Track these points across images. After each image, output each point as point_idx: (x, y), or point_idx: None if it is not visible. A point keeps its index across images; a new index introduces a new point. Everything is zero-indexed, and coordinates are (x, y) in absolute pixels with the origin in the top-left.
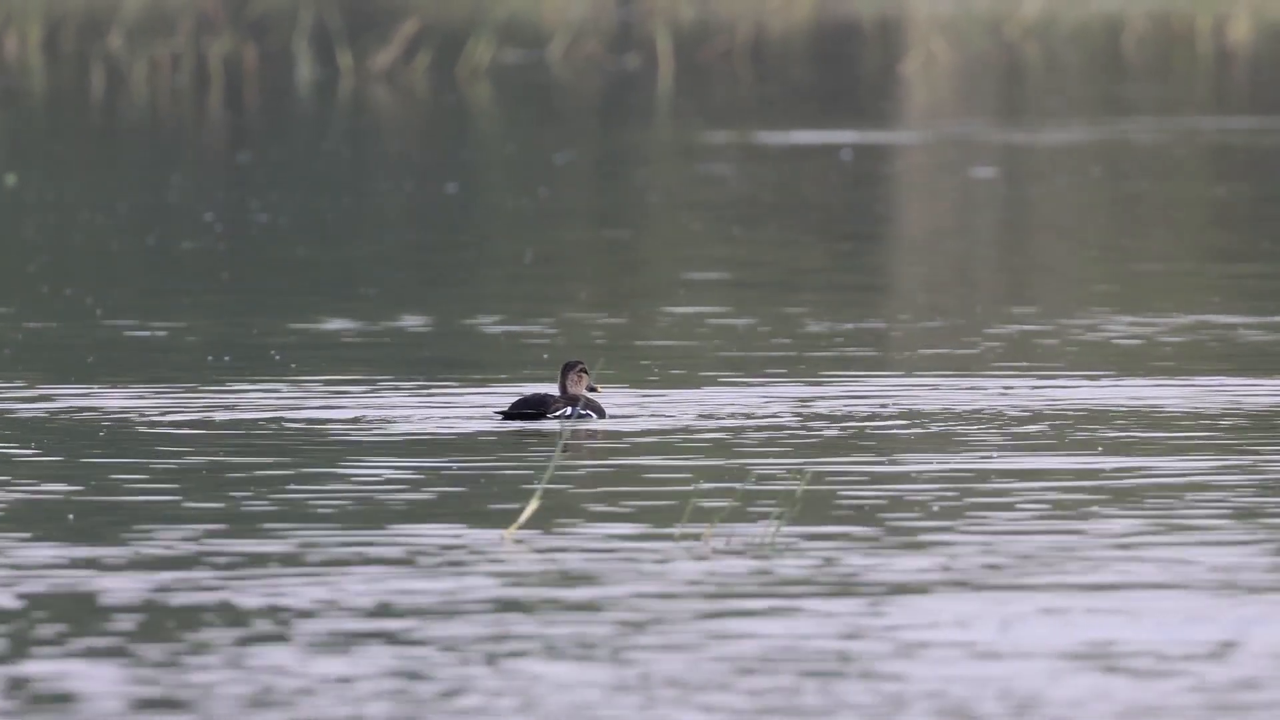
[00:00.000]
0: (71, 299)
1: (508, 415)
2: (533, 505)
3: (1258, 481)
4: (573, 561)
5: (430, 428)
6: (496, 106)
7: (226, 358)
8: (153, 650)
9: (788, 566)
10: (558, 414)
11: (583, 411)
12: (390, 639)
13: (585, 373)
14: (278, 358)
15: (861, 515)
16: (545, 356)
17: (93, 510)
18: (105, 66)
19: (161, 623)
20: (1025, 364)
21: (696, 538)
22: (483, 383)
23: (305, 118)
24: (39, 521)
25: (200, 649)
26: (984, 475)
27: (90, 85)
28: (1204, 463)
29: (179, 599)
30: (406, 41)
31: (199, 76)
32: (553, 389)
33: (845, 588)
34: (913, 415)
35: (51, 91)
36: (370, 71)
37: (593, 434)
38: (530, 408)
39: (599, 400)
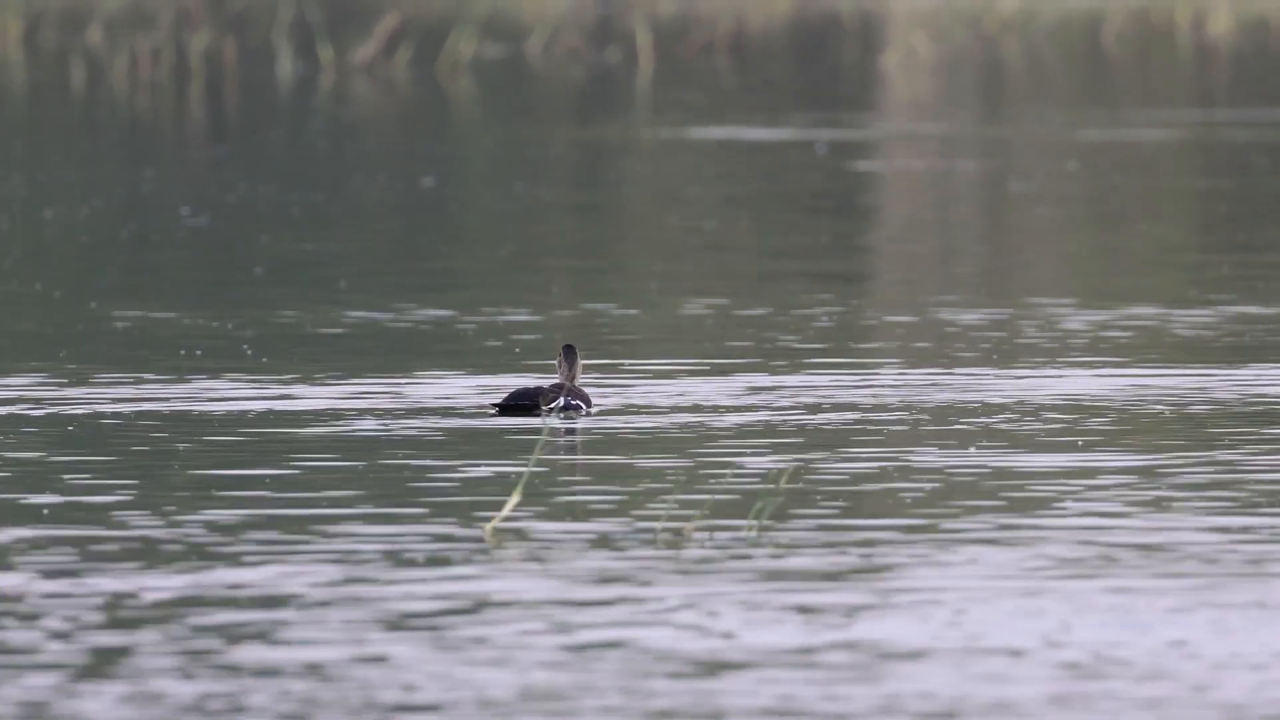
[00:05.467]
0: (42, 292)
1: (503, 408)
2: (515, 499)
3: (1245, 474)
4: (554, 555)
5: (405, 422)
6: (476, 101)
7: (199, 351)
8: (140, 649)
9: (769, 561)
10: (551, 406)
11: (573, 402)
12: (371, 634)
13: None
14: (250, 351)
15: (843, 509)
16: (518, 350)
17: (66, 505)
18: (85, 61)
19: (141, 618)
20: (1005, 357)
21: (679, 532)
22: (459, 376)
23: (285, 112)
24: (11, 515)
25: (184, 644)
26: (964, 470)
27: (70, 79)
28: (1191, 456)
29: (158, 594)
30: (387, 36)
31: (179, 71)
32: (536, 380)
33: (827, 582)
34: (894, 408)
35: (31, 86)
36: (351, 66)
37: (575, 427)
38: (525, 400)
39: (586, 391)
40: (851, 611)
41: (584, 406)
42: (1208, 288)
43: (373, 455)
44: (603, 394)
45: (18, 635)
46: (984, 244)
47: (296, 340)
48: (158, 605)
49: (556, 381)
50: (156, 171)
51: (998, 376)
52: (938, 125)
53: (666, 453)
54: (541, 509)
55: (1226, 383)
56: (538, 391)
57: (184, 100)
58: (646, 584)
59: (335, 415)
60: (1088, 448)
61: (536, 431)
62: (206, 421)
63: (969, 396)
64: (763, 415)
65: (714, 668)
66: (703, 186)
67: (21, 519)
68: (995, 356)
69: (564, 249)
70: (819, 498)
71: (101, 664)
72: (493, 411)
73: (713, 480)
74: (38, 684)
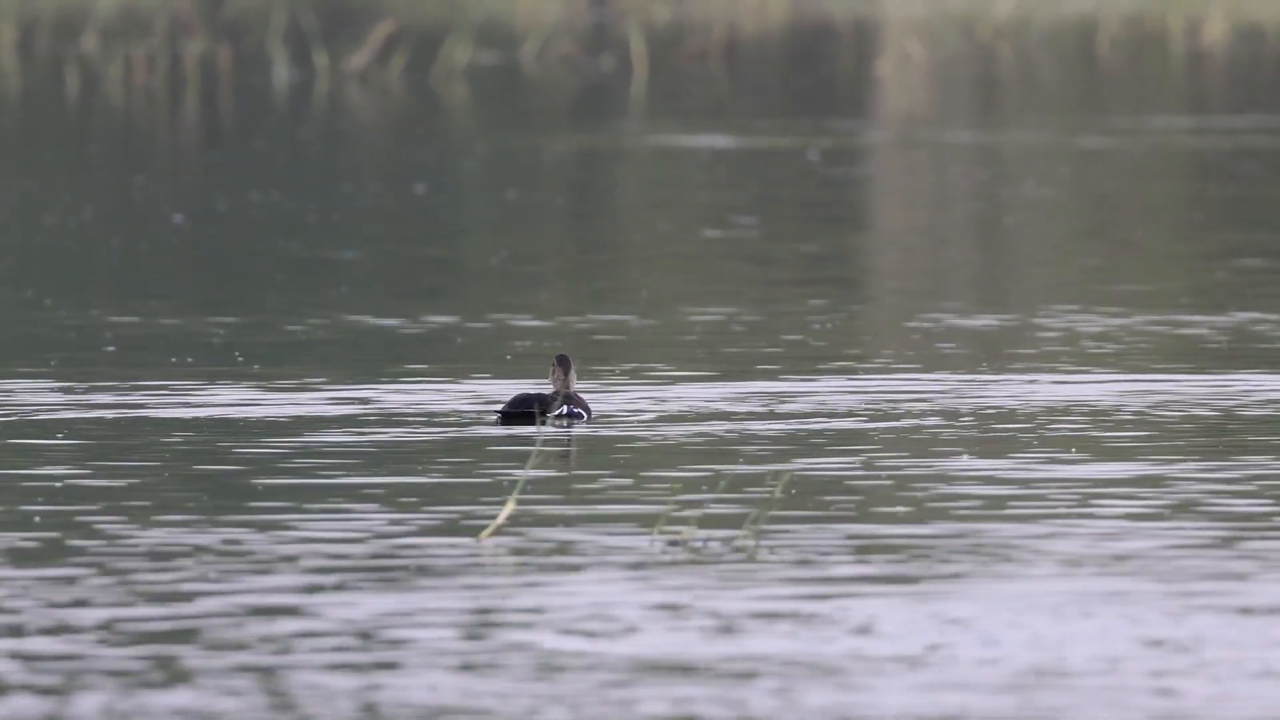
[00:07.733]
0: (34, 299)
1: (506, 417)
2: (508, 509)
3: (1237, 483)
4: (548, 565)
5: (398, 430)
6: (470, 108)
7: (190, 358)
8: (125, 658)
9: (765, 569)
10: (555, 414)
11: (574, 410)
12: (362, 645)
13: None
14: (241, 358)
15: (839, 515)
16: (508, 357)
17: (57, 512)
18: (80, 68)
19: (128, 626)
20: (998, 364)
21: (673, 541)
22: (451, 383)
23: (280, 119)
24: (1, 522)
25: (172, 655)
26: (960, 476)
27: (65, 86)
28: (1195, 462)
29: (146, 600)
30: (382, 43)
31: (174, 78)
32: (531, 387)
33: (822, 590)
34: (888, 415)
35: (25, 92)
36: (345, 73)
37: (569, 435)
38: (527, 408)
39: (585, 400)
40: (846, 618)
41: (585, 415)
42: (1201, 294)
43: (365, 462)
44: (597, 402)
45: (5, 642)
46: (978, 251)
47: (288, 347)
48: (146, 612)
49: (555, 390)
50: (149, 178)
51: (991, 383)
52: (932, 132)
53: (660, 460)
54: (536, 517)
55: (1223, 389)
56: (538, 399)
57: (178, 107)
58: (642, 591)
59: (327, 422)
60: (1081, 454)
61: (531, 439)
62: (197, 429)
63: (963, 403)
64: (758, 422)
65: (708, 674)
66: (697, 193)
67: (12, 526)
68: (988, 363)
69: (557, 256)
70: (814, 504)
71: (87, 673)
72: (494, 419)
73: (707, 487)
74: (31, 689)
